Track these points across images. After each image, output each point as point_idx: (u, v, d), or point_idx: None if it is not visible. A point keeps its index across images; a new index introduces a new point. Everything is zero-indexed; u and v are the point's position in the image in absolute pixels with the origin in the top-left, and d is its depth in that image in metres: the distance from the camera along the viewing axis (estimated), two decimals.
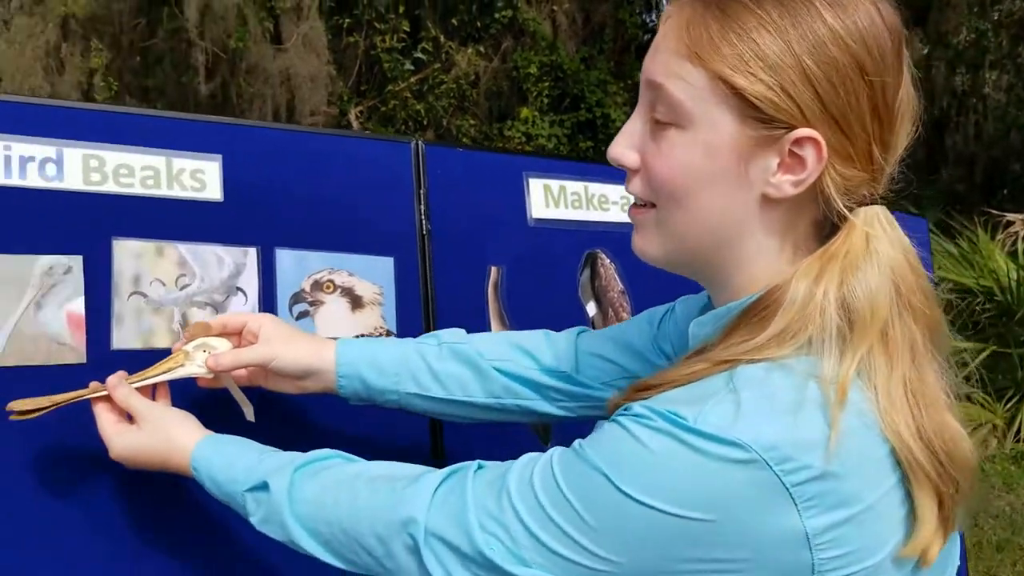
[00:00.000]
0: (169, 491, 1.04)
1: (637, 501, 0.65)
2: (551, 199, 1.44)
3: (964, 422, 0.72)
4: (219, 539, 1.08)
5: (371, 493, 0.81)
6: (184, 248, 1.14)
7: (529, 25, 8.30)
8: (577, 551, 0.67)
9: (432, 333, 1.11)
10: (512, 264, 1.39)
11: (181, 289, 1.13)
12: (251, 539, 0.88)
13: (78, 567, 1.02)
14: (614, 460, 0.67)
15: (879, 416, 0.67)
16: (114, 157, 1.10)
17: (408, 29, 7.74)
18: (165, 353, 1.05)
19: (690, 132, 0.73)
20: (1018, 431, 5.29)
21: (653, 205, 0.77)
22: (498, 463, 0.77)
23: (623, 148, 0.78)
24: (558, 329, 1.13)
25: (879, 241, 0.72)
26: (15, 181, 1.04)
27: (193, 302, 1.13)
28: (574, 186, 1.46)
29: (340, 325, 1.24)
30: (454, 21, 8.10)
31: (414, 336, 1.14)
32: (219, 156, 1.17)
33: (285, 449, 0.93)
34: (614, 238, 1.48)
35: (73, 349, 1.05)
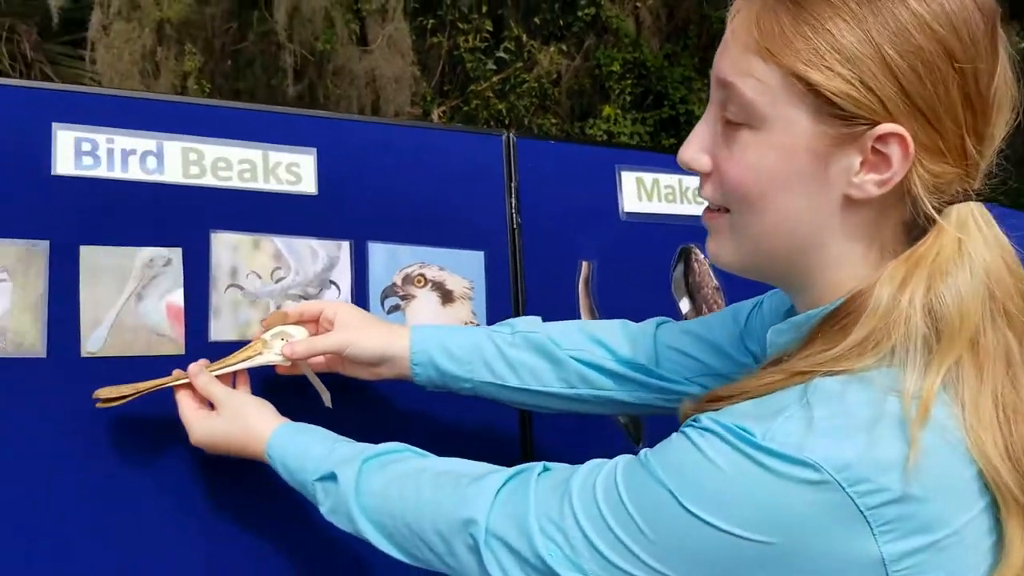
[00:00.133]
0: (249, 476, 1.05)
1: (699, 518, 0.62)
2: (644, 192, 1.41)
3: None
4: (295, 524, 1.09)
5: (434, 489, 0.80)
6: (280, 241, 1.14)
7: (612, 22, 8.23)
8: (635, 564, 0.65)
9: (506, 321, 1.09)
10: (603, 259, 1.36)
11: (276, 282, 1.14)
12: (326, 525, 0.88)
13: (156, 546, 1.03)
14: (677, 474, 0.64)
15: (965, 434, 0.62)
16: (212, 150, 1.12)
17: (491, 29, 7.75)
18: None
19: (763, 133, 0.68)
20: None
21: (727, 210, 0.73)
22: (564, 466, 0.75)
23: (694, 151, 0.74)
24: None
25: (972, 242, 0.66)
26: (117, 174, 1.06)
27: (288, 295, 1.14)
28: (667, 179, 1.43)
29: (430, 319, 1.23)
30: (536, 20, 8.08)
31: None
32: (314, 149, 1.18)
33: (365, 437, 0.93)
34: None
35: (172, 340, 1.06)
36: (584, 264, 1.35)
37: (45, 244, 1.01)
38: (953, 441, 0.62)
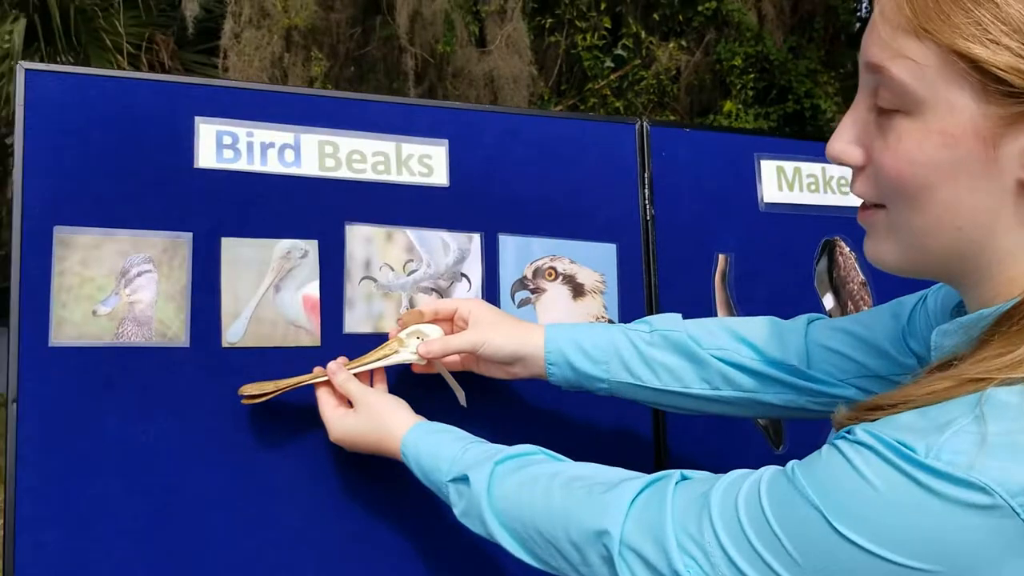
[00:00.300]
0: (386, 474, 1.05)
1: (851, 542, 0.57)
2: (784, 182, 1.34)
3: None
4: (433, 521, 1.08)
5: (566, 495, 0.77)
6: (412, 233, 1.14)
7: (734, 16, 8.05)
8: None
9: (644, 319, 1.05)
10: (741, 252, 1.30)
11: (409, 274, 1.13)
12: (461, 524, 0.87)
13: (291, 538, 1.04)
14: (828, 492, 0.59)
15: None
16: (347, 143, 1.12)
17: (609, 26, 7.69)
18: (388, 337, 1.07)
19: (922, 119, 0.61)
20: None
21: (884, 206, 0.67)
22: (704, 475, 0.71)
23: (844, 143, 0.67)
24: None
25: None
26: (257, 167, 1.07)
27: (420, 287, 1.13)
28: (810, 167, 1.36)
29: (561, 313, 1.20)
30: (655, 16, 7.98)
31: None
32: (445, 141, 1.17)
33: (499, 436, 0.91)
34: (854, 225, 1.35)
35: (309, 332, 1.07)
36: (721, 257, 1.29)
37: (188, 236, 1.03)
38: None
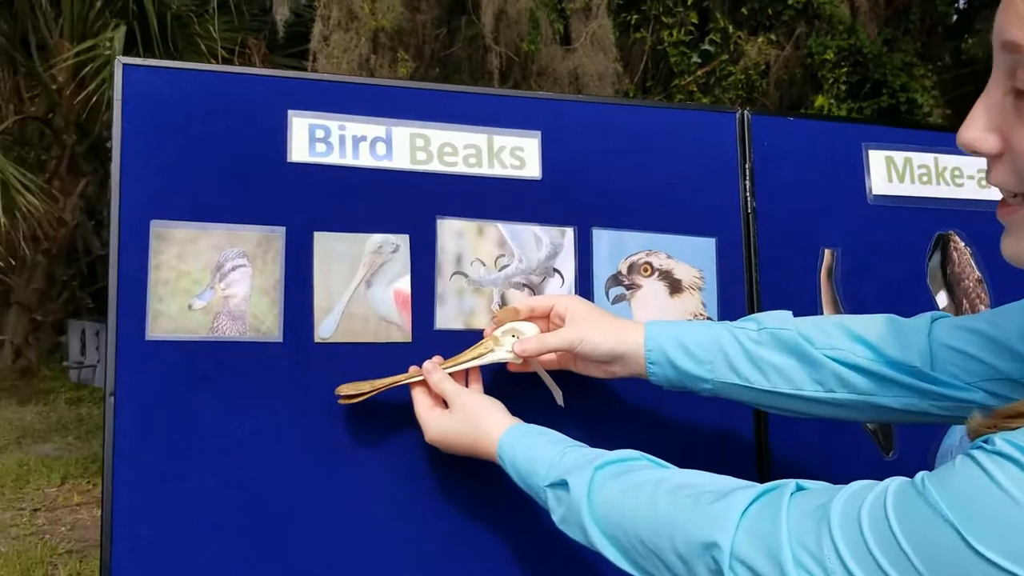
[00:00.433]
0: (482, 475, 1.02)
1: (988, 561, 0.51)
2: (895, 173, 1.27)
3: None
4: (530, 524, 1.05)
5: (671, 503, 0.73)
6: (504, 227, 1.11)
7: (825, 9, 7.83)
8: None
9: (751, 316, 1.00)
10: (848, 246, 1.24)
11: (500, 270, 1.11)
12: (559, 529, 0.84)
13: (384, 536, 1.03)
14: (964, 507, 0.53)
15: None
16: (439, 136, 1.10)
17: (696, 21, 7.56)
18: (483, 335, 1.04)
19: None
20: None
21: None
22: (821, 486, 0.66)
23: (978, 130, 0.61)
24: None
25: None
26: (348, 160, 1.06)
27: (511, 283, 1.11)
28: (922, 158, 1.28)
29: (657, 311, 1.16)
30: (744, 10, 7.82)
31: None
32: (538, 132, 1.14)
33: (596, 438, 0.88)
34: (969, 218, 1.28)
35: (400, 328, 1.05)
36: (826, 252, 1.23)
37: (281, 230, 1.03)
38: None
